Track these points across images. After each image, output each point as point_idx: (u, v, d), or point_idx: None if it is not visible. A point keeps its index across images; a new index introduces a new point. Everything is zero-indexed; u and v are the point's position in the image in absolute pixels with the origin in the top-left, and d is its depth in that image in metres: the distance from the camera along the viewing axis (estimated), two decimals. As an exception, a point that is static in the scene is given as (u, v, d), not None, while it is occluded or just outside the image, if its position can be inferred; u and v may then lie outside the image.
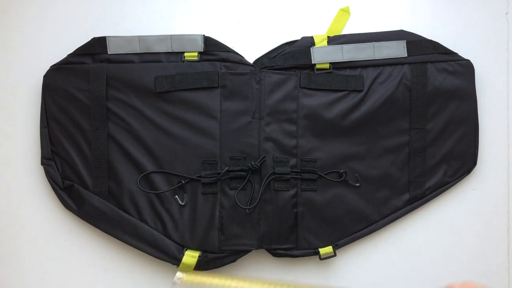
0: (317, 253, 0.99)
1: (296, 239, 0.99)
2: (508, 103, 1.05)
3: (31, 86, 1.02)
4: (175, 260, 0.97)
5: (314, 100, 1.00)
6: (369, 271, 1.03)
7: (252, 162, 0.98)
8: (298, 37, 1.03)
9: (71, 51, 1.00)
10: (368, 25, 1.05)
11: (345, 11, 1.05)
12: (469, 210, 1.04)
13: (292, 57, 1.01)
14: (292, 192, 0.99)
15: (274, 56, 1.02)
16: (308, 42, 1.02)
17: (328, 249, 0.99)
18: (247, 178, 0.98)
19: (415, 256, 1.04)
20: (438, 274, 1.03)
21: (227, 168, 0.98)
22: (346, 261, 1.03)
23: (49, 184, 1.00)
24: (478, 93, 1.03)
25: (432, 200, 1.03)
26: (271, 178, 0.98)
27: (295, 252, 0.99)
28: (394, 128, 1.01)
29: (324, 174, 0.99)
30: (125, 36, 1.00)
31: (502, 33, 1.06)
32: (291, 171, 0.99)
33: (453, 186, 1.03)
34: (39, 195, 1.02)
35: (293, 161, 0.99)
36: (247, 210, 0.97)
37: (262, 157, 0.98)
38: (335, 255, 0.99)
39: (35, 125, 1.02)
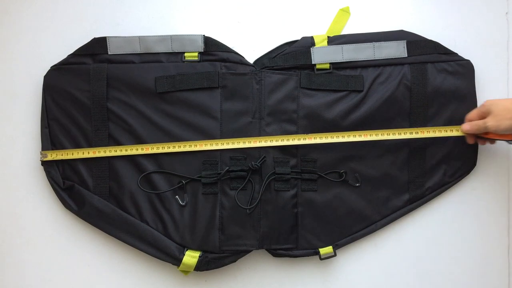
0: (317, 253, 0.99)
1: (296, 239, 0.99)
2: (508, 103, 1.05)
3: (32, 87, 1.02)
4: (176, 260, 0.97)
5: (314, 100, 1.00)
6: (369, 271, 1.03)
7: (253, 162, 0.98)
8: (298, 37, 1.03)
9: (71, 51, 1.00)
10: (368, 25, 1.05)
11: (345, 11, 1.05)
12: (469, 210, 1.04)
13: (293, 57, 1.01)
14: (292, 192, 0.99)
15: (274, 56, 1.02)
16: (308, 42, 1.02)
17: (328, 249, 0.99)
18: (247, 178, 0.98)
19: (415, 256, 1.04)
20: (438, 274, 1.04)
21: (227, 168, 0.98)
22: (346, 261, 1.03)
23: (50, 184, 1.00)
24: (478, 93, 1.03)
25: (432, 200, 1.03)
26: (271, 178, 0.98)
27: (295, 252, 0.99)
28: (394, 128, 1.01)
29: (324, 174, 1.00)
30: (126, 37, 1.00)
31: (502, 33, 1.06)
32: (291, 171, 0.99)
33: (453, 186, 1.03)
34: (39, 195, 1.02)
35: (293, 161, 0.99)
36: (248, 210, 0.97)
37: (262, 157, 0.98)
38: (335, 255, 0.99)
39: (35, 126, 1.02)
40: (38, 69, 1.01)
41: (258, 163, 0.98)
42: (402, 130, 0.99)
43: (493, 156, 1.05)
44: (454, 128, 0.99)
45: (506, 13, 1.06)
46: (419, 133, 0.99)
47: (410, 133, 0.99)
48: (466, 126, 0.97)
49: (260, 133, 0.99)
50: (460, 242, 1.04)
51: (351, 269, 1.03)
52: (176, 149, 0.98)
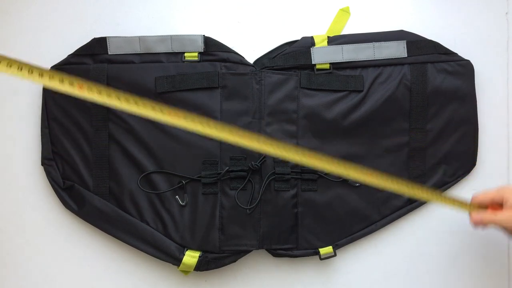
0: (317, 253, 0.99)
1: (297, 239, 0.99)
2: (508, 103, 1.05)
3: (32, 87, 1.02)
4: (176, 260, 0.97)
5: (314, 101, 1.00)
6: (369, 271, 1.04)
7: (253, 162, 0.98)
8: (298, 37, 1.03)
9: (71, 51, 1.00)
10: (368, 25, 1.05)
11: (345, 11, 1.05)
12: (469, 210, 1.04)
13: (292, 57, 1.01)
14: (292, 192, 0.99)
15: (274, 56, 1.02)
16: (308, 42, 1.02)
17: (328, 249, 0.99)
18: (247, 178, 0.98)
19: (415, 256, 1.04)
20: (438, 274, 1.04)
21: (227, 168, 0.98)
22: (346, 261, 1.03)
23: (50, 185, 1.00)
24: (478, 93, 1.03)
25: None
26: (271, 178, 0.98)
27: (295, 252, 0.99)
28: (394, 128, 1.01)
29: (324, 174, 1.00)
30: (126, 37, 1.00)
31: (502, 33, 1.06)
32: (291, 171, 0.99)
33: (453, 186, 1.03)
34: (39, 195, 1.02)
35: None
36: (248, 210, 0.97)
37: (262, 157, 0.98)
38: (335, 255, 0.99)
39: (35, 126, 1.02)
40: (38, 69, 1.01)
41: (258, 163, 0.98)
42: (402, 185, 0.83)
43: (493, 156, 1.05)
44: (464, 204, 0.87)
45: (506, 13, 1.06)
46: (425, 196, 0.86)
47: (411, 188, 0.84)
48: (477, 218, 0.84)
49: (260, 133, 0.99)
50: (460, 242, 1.04)
51: (351, 269, 1.03)
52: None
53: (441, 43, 1.02)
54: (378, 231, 1.02)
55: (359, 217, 1.01)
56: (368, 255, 1.03)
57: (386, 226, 1.02)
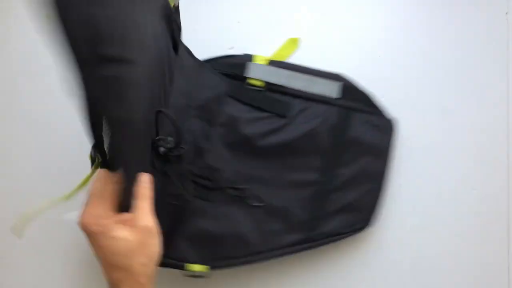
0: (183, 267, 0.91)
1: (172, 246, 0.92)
2: (508, 103, 1.05)
3: (32, 86, 1.02)
4: None
5: (237, 112, 0.97)
6: (369, 270, 1.03)
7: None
8: (298, 37, 1.03)
9: (71, 51, 1.01)
10: (367, 23, 1.05)
11: (294, 42, 1.04)
12: (469, 210, 1.04)
13: (229, 65, 0.99)
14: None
15: (216, 60, 1.00)
16: (249, 58, 1.00)
17: (199, 267, 0.92)
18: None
19: (414, 256, 1.03)
20: (438, 274, 1.04)
21: None
22: (346, 261, 1.03)
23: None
24: (478, 93, 1.03)
25: (432, 200, 1.03)
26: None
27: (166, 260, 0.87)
28: (305, 163, 0.98)
29: (223, 187, 0.94)
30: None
31: (502, 33, 1.06)
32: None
33: (453, 186, 1.03)
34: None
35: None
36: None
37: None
38: (205, 276, 0.92)
39: (36, 125, 1.02)
40: (38, 69, 1.02)
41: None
42: None
43: (493, 156, 1.05)
44: None
45: (506, 13, 1.07)
46: None
47: None
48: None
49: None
50: (460, 242, 1.04)
51: (351, 269, 1.03)
52: None
53: (440, 43, 1.03)
54: (378, 231, 1.02)
55: (240, 242, 0.93)
56: (369, 255, 1.03)
57: (388, 224, 1.02)
